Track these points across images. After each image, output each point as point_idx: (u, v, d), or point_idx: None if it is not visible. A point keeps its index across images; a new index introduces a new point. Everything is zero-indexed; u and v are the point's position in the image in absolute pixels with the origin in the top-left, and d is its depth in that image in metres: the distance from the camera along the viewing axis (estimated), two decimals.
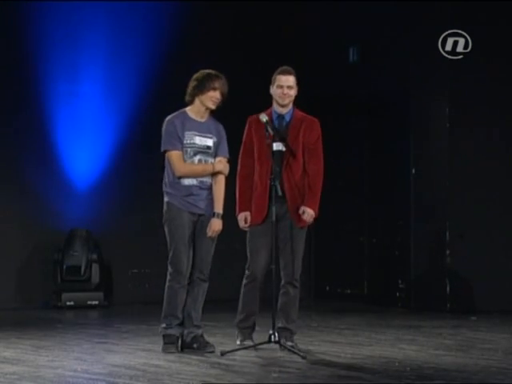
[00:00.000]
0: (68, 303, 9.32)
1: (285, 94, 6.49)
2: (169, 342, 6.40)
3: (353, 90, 10.07)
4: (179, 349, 6.39)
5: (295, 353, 6.14)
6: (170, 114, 10.26)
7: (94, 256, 9.46)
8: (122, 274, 9.89)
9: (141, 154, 9.94)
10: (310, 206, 6.51)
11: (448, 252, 9.16)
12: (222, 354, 6.17)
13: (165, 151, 6.38)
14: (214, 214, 6.40)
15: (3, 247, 9.41)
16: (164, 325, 6.43)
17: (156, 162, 9.88)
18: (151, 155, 9.98)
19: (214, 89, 6.34)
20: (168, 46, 9.93)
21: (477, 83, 9.21)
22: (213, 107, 6.40)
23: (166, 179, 6.44)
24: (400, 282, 9.64)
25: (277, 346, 6.28)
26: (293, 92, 6.54)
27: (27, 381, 5.37)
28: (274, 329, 6.30)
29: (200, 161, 6.40)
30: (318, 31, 10.31)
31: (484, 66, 9.20)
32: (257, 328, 6.73)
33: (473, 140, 9.27)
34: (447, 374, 5.58)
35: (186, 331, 6.44)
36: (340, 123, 10.25)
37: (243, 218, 6.49)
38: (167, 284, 6.42)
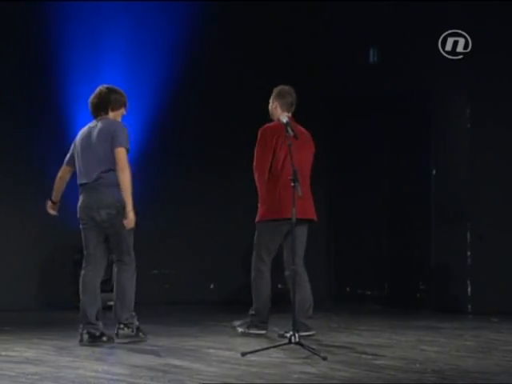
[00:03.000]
0: None
1: None
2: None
3: (373, 90, 10.04)
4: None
5: (316, 354, 6.15)
6: (190, 115, 10.33)
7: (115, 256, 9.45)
8: (143, 274, 9.87)
9: (162, 154, 9.97)
10: None
11: (469, 253, 9.12)
12: (243, 354, 6.18)
13: (124, 147, 6.75)
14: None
15: (24, 248, 9.45)
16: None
17: (176, 162, 10.01)
18: (172, 156, 10.08)
19: (124, 105, 7.06)
20: (190, 47, 9.94)
21: (498, 83, 9.17)
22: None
23: (112, 175, 6.75)
24: (421, 283, 9.61)
25: (297, 346, 6.28)
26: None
27: (49, 381, 5.40)
28: (294, 330, 6.30)
29: None
30: (338, 32, 10.30)
31: (504, 65, 9.16)
32: (277, 329, 6.85)
33: (494, 140, 9.23)
34: (468, 376, 5.56)
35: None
36: (360, 124, 10.24)
37: None
38: (130, 275, 6.94)
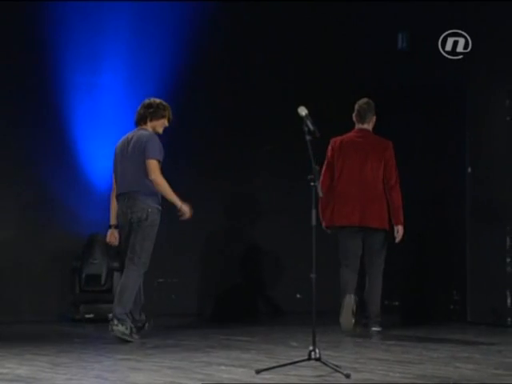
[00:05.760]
0: (87, 316, 9.34)
1: None
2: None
3: (401, 80, 10.02)
4: None
5: (338, 371, 6.09)
6: (193, 106, 10.48)
7: (116, 264, 9.45)
8: (147, 283, 9.85)
9: (170, 157, 9.96)
10: None
11: (508, 260, 9.07)
12: (257, 372, 6.13)
13: (155, 159, 7.76)
14: None
15: (17, 254, 9.47)
16: None
17: (181, 161, 10.02)
18: (176, 152, 10.06)
19: (165, 117, 8.01)
20: (192, 36, 10.06)
21: None
22: (161, 133, 8.03)
23: (148, 184, 7.76)
24: (454, 293, 9.58)
25: (318, 363, 6.22)
26: None
27: None
28: (314, 345, 6.25)
29: None
30: (365, 17, 10.31)
31: None
32: (295, 344, 6.80)
33: None
34: None
35: None
36: (388, 117, 10.18)
37: None
38: (135, 275, 7.86)
